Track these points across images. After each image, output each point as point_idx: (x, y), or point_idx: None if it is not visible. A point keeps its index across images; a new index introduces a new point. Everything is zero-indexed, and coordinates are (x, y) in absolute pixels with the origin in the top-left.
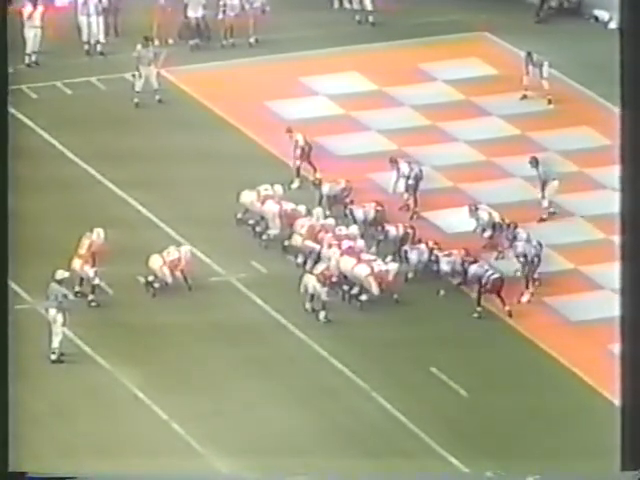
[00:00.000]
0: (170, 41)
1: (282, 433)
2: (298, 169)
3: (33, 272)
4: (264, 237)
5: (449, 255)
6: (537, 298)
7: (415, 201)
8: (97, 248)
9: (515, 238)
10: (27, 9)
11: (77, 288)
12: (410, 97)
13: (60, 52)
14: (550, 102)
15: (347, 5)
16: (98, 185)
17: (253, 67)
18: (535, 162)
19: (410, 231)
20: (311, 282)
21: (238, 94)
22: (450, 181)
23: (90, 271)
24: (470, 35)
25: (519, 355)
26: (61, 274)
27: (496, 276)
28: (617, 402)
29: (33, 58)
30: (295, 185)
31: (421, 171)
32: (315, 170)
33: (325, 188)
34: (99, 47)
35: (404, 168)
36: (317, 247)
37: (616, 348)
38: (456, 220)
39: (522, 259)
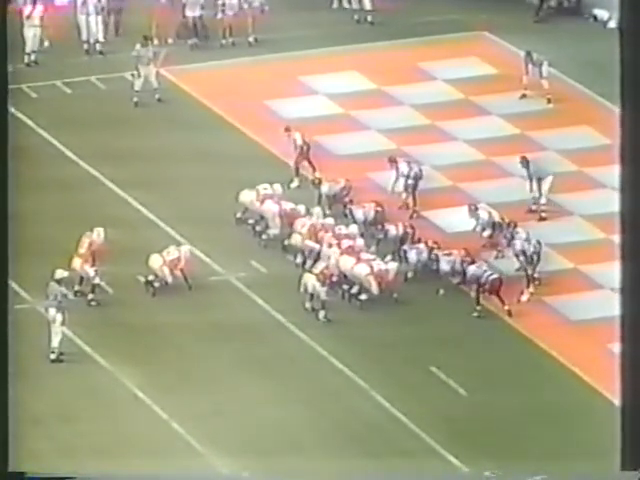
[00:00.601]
0: (169, 40)
1: (282, 433)
2: (297, 168)
3: (33, 271)
4: (264, 237)
5: (449, 255)
6: (537, 297)
7: (414, 200)
8: (97, 247)
9: (513, 237)
10: (27, 8)
11: (77, 287)
12: (410, 96)
13: (60, 51)
14: (549, 101)
15: (346, 4)
16: (98, 184)
17: (252, 66)
18: (525, 162)
19: (410, 230)
20: (311, 281)
21: (238, 93)
22: (450, 180)
23: (90, 270)
24: (469, 34)
25: (519, 354)
26: (61, 274)
27: (494, 277)
28: (617, 402)
29: (33, 57)
30: (294, 184)
31: (420, 170)
32: (314, 169)
33: (324, 187)
34: (98, 46)
35: (403, 168)
36: (317, 246)
37: (616, 347)
38: (456, 219)
39: (521, 258)
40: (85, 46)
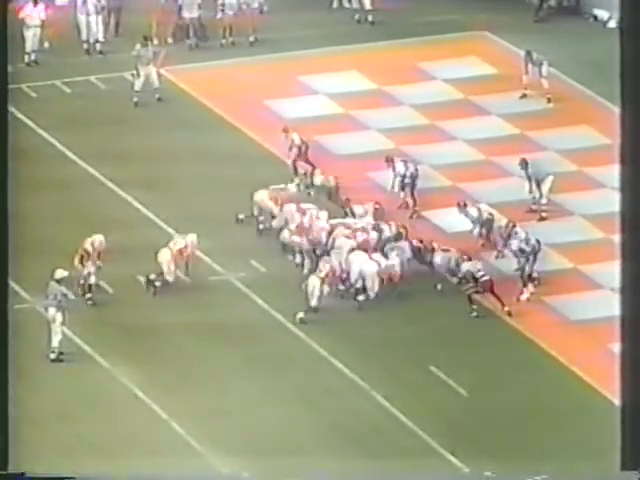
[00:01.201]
0: (169, 40)
1: (282, 432)
2: (295, 168)
3: (33, 271)
4: (282, 238)
5: (446, 251)
6: (537, 297)
7: (414, 200)
8: (99, 248)
9: (510, 236)
10: (27, 8)
11: (78, 289)
12: (409, 96)
13: (59, 51)
14: (549, 101)
15: (346, 4)
16: (97, 184)
17: (252, 66)
18: (524, 164)
19: (402, 230)
20: (313, 281)
21: (237, 93)
22: (449, 180)
23: (91, 270)
24: (469, 34)
25: (518, 354)
26: (60, 273)
27: (485, 278)
28: (617, 402)
29: (33, 57)
30: (294, 184)
31: (417, 170)
32: (314, 168)
33: (317, 179)
34: (98, 46)
35: (400, 167)
36: (328, 241)
37: (616, 347)
38: (456, 219)
39: (520, 257)
40: (85, 46)
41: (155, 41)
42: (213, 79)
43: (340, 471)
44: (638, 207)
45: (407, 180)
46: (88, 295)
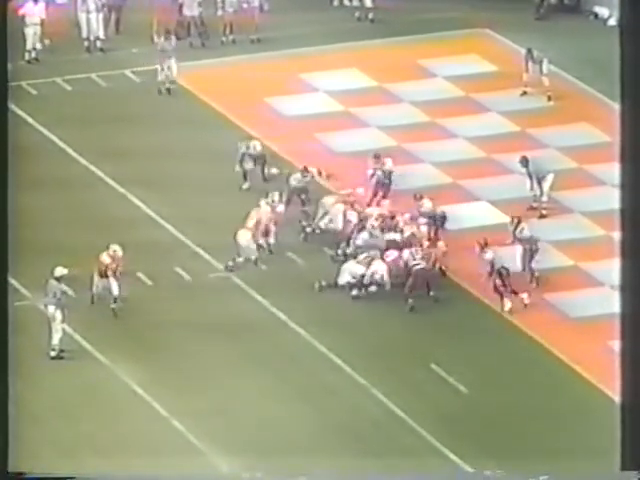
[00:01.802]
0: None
1: (282, 430)
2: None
3: (33, 269)
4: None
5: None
6: (537, 295)
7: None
8: (117, 259)
9: (520, 233)
10: (27, 6)
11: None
12: (410, 93)
13: (60, 48)
14: (550, 98)
15: (347, 2)
16: (98, 182)
17: (253, 64)
18: (525, 162)
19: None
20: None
21: (238, 91)
22: (450, 177)
23: (113, 284)
24: (470, 32)
25: (519, 352)
26: (60, 271)
27: (419, 267)
28: (617, 399)
29: (33, 54)
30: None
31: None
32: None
33: (292, 180)
34: (99, 43)
35: (389, 164)
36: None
37: (616, 345)
38: (456, 217)
39: (520, 254)
40: (85, 43)
41: (155, 38)
42: (214, 77)
43: (340, 469)
44: (638, 204)
45: (385, 180)
46: (112, 306)
